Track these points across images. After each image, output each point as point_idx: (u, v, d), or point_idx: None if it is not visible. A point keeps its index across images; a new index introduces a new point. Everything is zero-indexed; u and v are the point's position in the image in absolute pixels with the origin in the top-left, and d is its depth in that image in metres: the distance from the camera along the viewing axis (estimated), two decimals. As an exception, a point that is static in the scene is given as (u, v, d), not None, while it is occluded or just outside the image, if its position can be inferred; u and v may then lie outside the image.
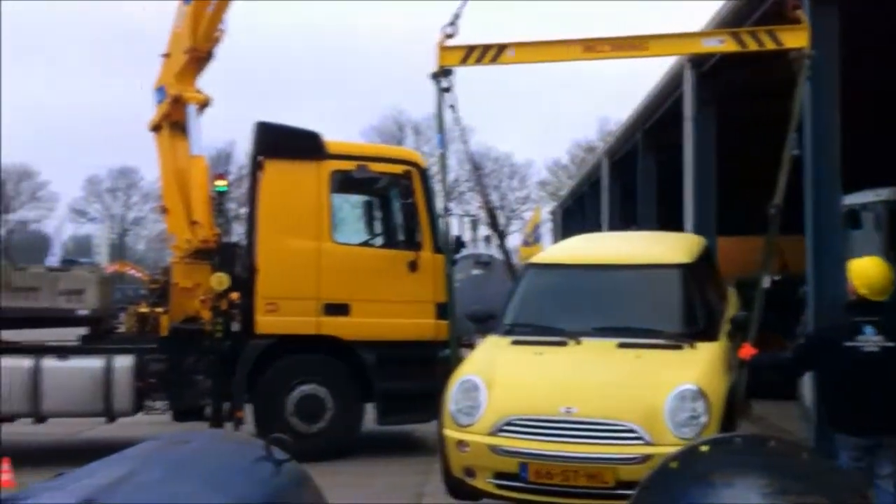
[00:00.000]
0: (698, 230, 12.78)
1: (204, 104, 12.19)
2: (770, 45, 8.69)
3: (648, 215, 18.33)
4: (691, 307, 8.00)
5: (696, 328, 7.72)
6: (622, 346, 7.38)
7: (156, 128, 12.30)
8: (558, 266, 8.82)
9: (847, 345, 5.96)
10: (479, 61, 9.54)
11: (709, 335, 7.71)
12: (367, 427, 11.23)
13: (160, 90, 12.27)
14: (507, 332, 8.02)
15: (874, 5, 10.63)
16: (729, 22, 10.95)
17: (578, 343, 7.50)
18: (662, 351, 7.34)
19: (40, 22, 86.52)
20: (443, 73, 9.63)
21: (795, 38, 8.52)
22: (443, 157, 10.84)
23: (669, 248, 9.07)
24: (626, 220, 21.35)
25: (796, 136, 8.45)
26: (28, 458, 9.90)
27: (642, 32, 9.42)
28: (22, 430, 11.28)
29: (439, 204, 11.77)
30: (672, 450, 5.79)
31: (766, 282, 8.25)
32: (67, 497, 2.97)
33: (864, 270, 6.15)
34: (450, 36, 9.62)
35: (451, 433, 7.17)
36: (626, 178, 21.57)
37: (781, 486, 3.81)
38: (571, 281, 8.44)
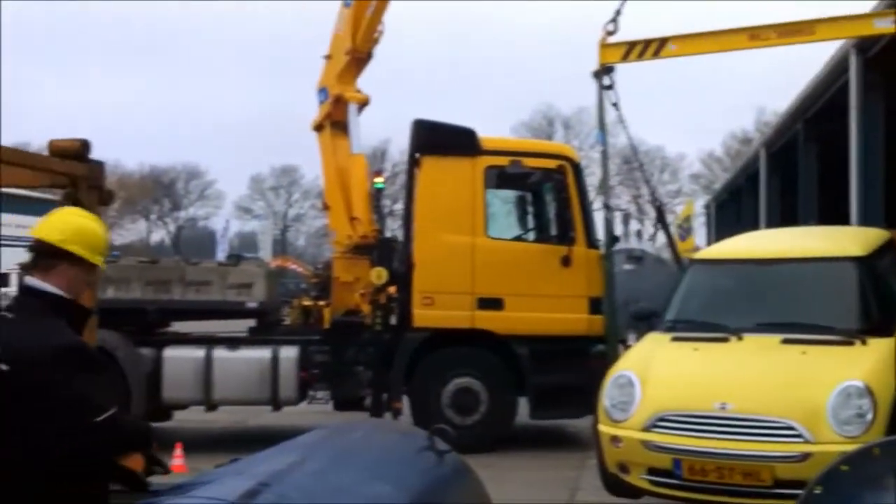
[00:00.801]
0: (864, 223, 12.23)
1: (364, 103, 12.54)
2: (948, 24, 8.25)
3: (810, 209, 17.63)
4: (864, 302, 7.67)
5: (869, 324, 7.39)
6: (786, 342, 7.16)
7: (318, 127, 12.72)
8: (724, 262, 8.66)
9: None
10: (640, 57, 9.44)
11: (884, 331, 7.33)
12: (520, 420, 11.29)
13: (322, 91, 12.69)
14: (669, 329, 7.93)
15: None
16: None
17: (740, 339, 7.34)
18: (830, 347, 7.07)
19: (210, 32, 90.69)
20: (604, 70, 9.55)
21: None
22: (604, 155, 10.76)
23: (842, 241, 8.71)
24: (785, 213, 20.63)
25: None
26: (198, 443, 10.43)
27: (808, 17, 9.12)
28: (193, 418, 11.89)
29: (598, 199, 11.73)
30: (834, 448, 5.67)
31: None
32: (246, 481, 3.11)
33: None
34: (611, 33, 9.55)
35: (604, 428, 7.16)
36: (785, 170, 20.80)
37: (960, 491, 3.65)
38: (737, 276, 8.28)
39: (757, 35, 9.17)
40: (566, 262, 10.97)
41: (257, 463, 3.41)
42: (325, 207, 12.93)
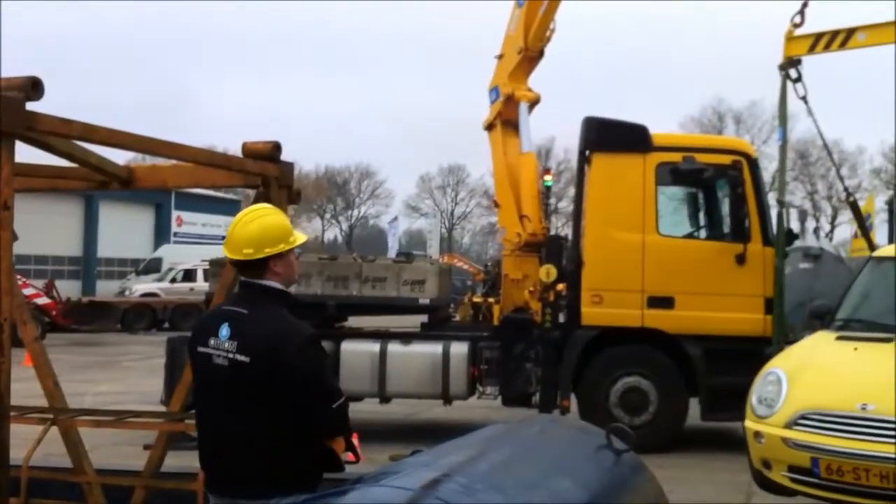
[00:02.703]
0: None
1: (535, 102, 12.62)
2: None
3: None
4: None
5: None
6: None
7: (489, 126, 12.88)
8: None
9: None
10: (827, 48, 9.22)
11: None
12: (691, 422, 11.09)
13: (494, 90, 12.85)
14: (839, 328, 7.74)
15: None
16: None
17: None
18: None
19: (381, 35, 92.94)
20: (790, 63, 9.36)
21: None
22: (783, 150, 10.47)
23: None
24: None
25: None
26: (372, 435, 10.73)
27: None
28: (366, 409, 12.24)
29: (774, 195, 11.40)
30: None
31: None
32: (431, 472, 3.22)
33: None
34: (797, 25, 9.33)
35: (750, 424, 7.17)
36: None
37: None
38: None
39: (953, 20, 8.74)
40: (741, 260, 10.72)
41: (441, 455, 3.49)
42: (496, 205, 13.08)
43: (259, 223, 3.60)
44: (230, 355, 3.46)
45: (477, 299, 12.42)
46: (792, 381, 7.02)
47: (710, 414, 10.77)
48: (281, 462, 3.43)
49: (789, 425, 6.76)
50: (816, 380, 7.08)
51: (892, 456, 6.19)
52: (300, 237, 3.70)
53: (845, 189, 12.71)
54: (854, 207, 11.99)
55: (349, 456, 3.64)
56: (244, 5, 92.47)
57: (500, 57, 12.94)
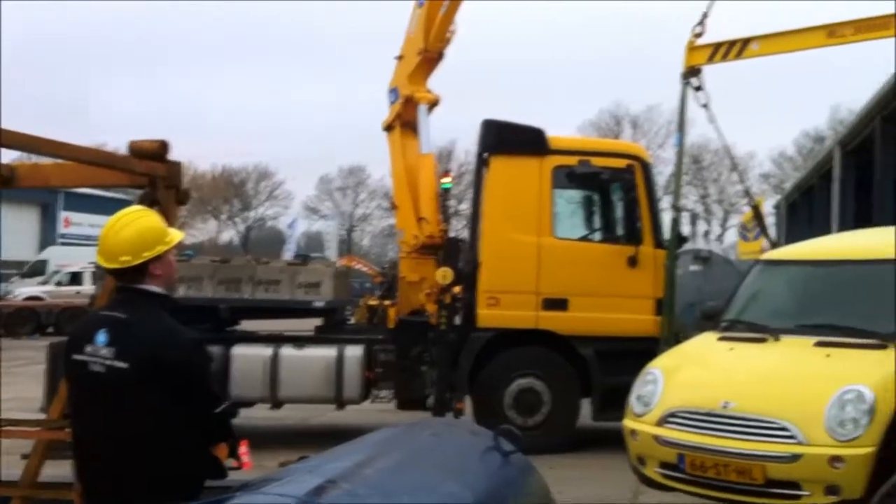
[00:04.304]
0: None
1: (434, 104, 12.59)
2: None
3: (886, 209, 17.19)
4: None
5: None
6: (819, 344, 7.05)
7: (388, 127, 12.80)
8: (782, 263, 8.59)
9: None
10: (724, 58, 9.53)
11: None
12: (584, 422, 11.23)
13: (393, 91, 12.77)
14: (724, 329, 7.95)
15: None
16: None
17: (777, 340, 7.31)
18: (858, 351, 6.87)
19: (277, 30, 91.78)
20: (691, 72, 9.61)
21: None
22: (679, 156, 10.72)
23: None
24: (860, 214, 20.17)
25: None
26: (263, 441, 10.56)
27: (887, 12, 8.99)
28: (257, 415, 12.05)
29: (664, 199, 11.65)
30: (825, 451, 5.94)
31: None
32: (316, 478, 3.16)
33: None
34: (698, 35, 9.58)
35: (627, 422, 7.41)
36: (861, 169, 20.36)
37: None
38: (792, 278, 8.20)
39: (834, 32, 9.15)
40: (633, 262, 10.94)
41: (327, 461, 3.44)
42: (394, 207, 13.02)
43: (132, 228, 3.51)
44: (107, 362, 3.36)
45: (373, 302, 12.35)
46: (667, 380, 7.24)
47: (602, 414, 10.91)
48: (161, 470, 3.34)
49: (660, 423, 6.98)
50: (688, 379, 7.33)
51: (748, 452, 6.43)
52: (176, 235, 3.63)
53: (747, 192, 13.16)
54: (756, 211, 12.39)
55: (234, 462, 3.56)
56: (132, 4, 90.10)
57: (400, 58, 12.88)
